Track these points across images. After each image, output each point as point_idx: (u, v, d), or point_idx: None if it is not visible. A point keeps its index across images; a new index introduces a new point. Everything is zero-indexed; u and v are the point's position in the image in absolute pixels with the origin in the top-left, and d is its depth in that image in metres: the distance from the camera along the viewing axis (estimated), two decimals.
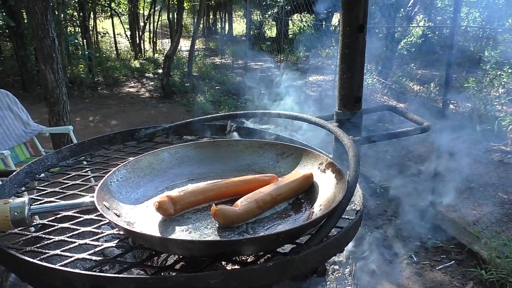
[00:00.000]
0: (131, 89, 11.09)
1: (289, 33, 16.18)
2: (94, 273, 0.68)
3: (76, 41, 11.41)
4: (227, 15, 25.59)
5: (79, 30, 12.32)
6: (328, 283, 1.04)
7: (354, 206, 1.01)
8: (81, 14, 11.87)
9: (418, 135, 1.34)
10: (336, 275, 1.10)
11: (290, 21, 16.20)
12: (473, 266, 3.35)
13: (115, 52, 15.69)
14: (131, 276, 0.68)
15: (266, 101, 8.63)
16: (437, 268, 3.42)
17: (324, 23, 16.41)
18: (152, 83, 11.82)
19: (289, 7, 11.79)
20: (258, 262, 0.78)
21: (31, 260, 0.74)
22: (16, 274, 0.79)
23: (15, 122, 4.35)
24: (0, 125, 4.18)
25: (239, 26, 27.27)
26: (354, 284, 1.05)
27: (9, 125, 4.27)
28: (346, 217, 0.95)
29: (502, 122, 5.74)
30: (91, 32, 13.42)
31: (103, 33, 14.54)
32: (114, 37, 15.77)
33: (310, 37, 14.78)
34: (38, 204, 0.86)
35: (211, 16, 26.12)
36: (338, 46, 1.27)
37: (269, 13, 16.40)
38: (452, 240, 3.69)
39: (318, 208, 0.95)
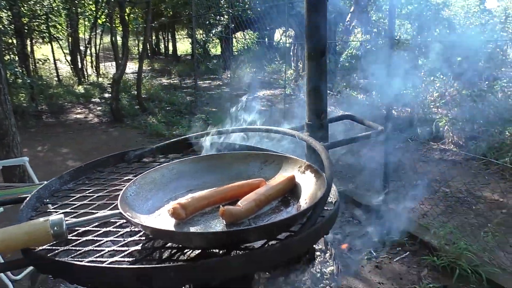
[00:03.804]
0: (78, 116, 10.88)
1: (234, 50, 16.53)
2: (139, 266, 0.84)
3: (16, 69, 11.04)
4: (169, 35, 25.68)
5: (17, 58, 11.94)
6: (315, 265, 1.24)
7: (330, 199, 1.22)
8: (18, 41, 11.52)
9: (366, 140, 1.58)
10: (319, 260, 1.31)
11: (234, 39, 16.57)
12: (426, 254, 3.67)
13: (56, 78, 15.29)
14: (170, 265, 0.84)
15: (219, 118, 8.81)
16: (395, 260, 3.72)
17: (267, 39, 16.96)
18: (100, 107, 11.65)
19: (233, 25, 12.13)
20: (266, 246, 0.97)
21: (83, 263, 0.88)
22: (65, 279, 0.92)
23: None
24: None
25: (183, 46, 27.40)
26: (336, 264, 1.26)
27: None
28: (326, 208, 1.16)
29: (439, 123, 6.29)
30: (30, 59, 13.05)
31: (44, 60, 14.14)
32: (55, 63, 15.38)
33: (256, 53, 15.22)
34: (70, 220, 1.00)
35: (153, 37, 26.06)
36: (305, 69, 1.51)
37: (213, 31, 16.70)
38: (405, 233, 4.01)
39: (304, 202, 1.16)
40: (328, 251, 1.32)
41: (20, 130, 8.93)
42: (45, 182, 1.36)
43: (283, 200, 1.22)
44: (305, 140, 1.37)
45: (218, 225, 1.08)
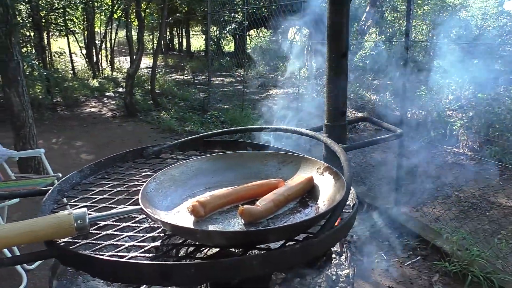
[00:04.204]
0: (92, 109, 10.99)
1: (247, 48, 16.51)
2: (160, 262, 0.85)
3: (33, 62, 11.17)
4: (184, 31, 25.79)
5: (34, 51, 12.08)
6: (331, 267, 1.25)
7: (348, 201, 1.22)
8: (36, 34, 11.65)
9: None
10: (334, 262, 1.31)
11: (248, 37, 16.56)
12: (438, 259, 3.63)
13: (71, 71, 15.45)
14: (191, 262, 0.85)
15: (232, 116, 8.81)
16: (406, 264, 3.69)
17: (280, 37, 16.94)
18: (114, 102, 11.75)
19: (247, 22, 12.13)
20: (285, 247, 0.97)
21: (105, 258, 0.89)
22: (88, 272, 0.94)
23: None
24: None
25: (197, 42, 27.48)
26: (352, 267, 1.26)
27: None
28: (344, 210, 1.16)
29: (453, 126, 6.22)
30: (47, 52, 13.20)
31: (60, 53, 14.30)
32: (70, 56, 15.54)
33: (269, 51, 15.21)
34: (92, 214, 1.02)
35: (167, 33, 26.18)
36: (325, 70, 1.51)
37: (227, 28, 16.72)
38: (417, 238, 3.98)
39: (323, 203, 1.16)
40: (343, 254, 1.32)
41: (36, 122, 9.05)
42: (60, 175, 1.38)
43: (301, 201, 1.22)
44: (324, 142, 1.37)
45: (236, 224, 1.08)
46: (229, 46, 20.92)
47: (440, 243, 3.79)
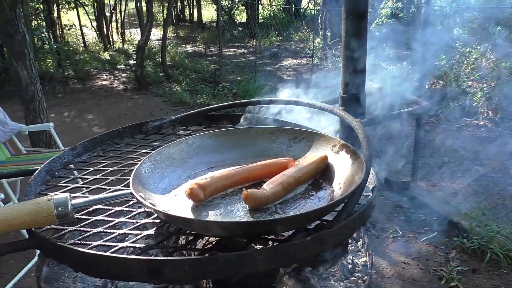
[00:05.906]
0: (104, 82, 10.90)
1: (259, 17, 16.13)
2: (150, 258, 0.74)
3: (43, 35, 11.05)
4: (194, 1, 25.26)
5: (44, 24, 11.94)
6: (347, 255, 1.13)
7: (367, 183, 1.08)
8: (45, 7, 11.49)
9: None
10: (350, 248, 1.19)
11: (260, 5, 16.15)
12: (455, 235, 3.51)
13: (82, 44, 15.31)
14: (185, 257, 0.73)
15: (244, 87, 8.64)
16: (422, 240, 3.58)
17: (294, 6, 16.49)
18: (125, 74, 11.63)
19: None
20: (294, 239, 0.85)
21: (87, 251, 0.78)
22: (69, 265, 0.83)
23: None
24: None
25: (208, 13, 26.97)
26: (369, 254, 1.14)
27: None
28: (364, 194, 1.03)
29: (473, 97, 5.97)
30: (57, 25, 13.05)
31: (70, 26, 14.11)
32: (81, 29, 15.37)
33: (282, 20, 14.83)
34: (76, 200, 0.90)
35: (178, 3, 25.67)
36: (342, 34, 1.34)
37: None
38: (434, 213, 3.86)
39: (338, 187, 1.03)
40: (360, 239, 1.20)
41: (48, 96, 9.03)
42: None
43: (314, 183, 1.09)
44: (340, 116, 1.23)
45: (240, 210, 0.96)
46: (241, 16, 20.47)
47: (458, 219, 3.66)
